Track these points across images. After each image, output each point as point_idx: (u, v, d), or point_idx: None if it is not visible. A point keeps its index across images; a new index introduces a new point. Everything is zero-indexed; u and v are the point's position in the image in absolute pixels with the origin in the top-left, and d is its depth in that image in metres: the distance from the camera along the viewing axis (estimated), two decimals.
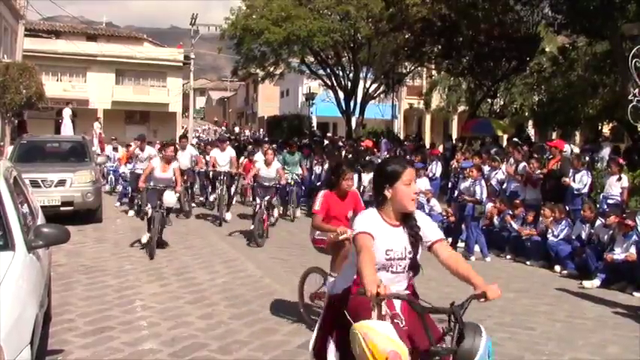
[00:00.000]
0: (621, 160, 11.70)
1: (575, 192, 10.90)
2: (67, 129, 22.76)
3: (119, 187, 17.73)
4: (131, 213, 13.89)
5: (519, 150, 13.60)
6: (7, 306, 3.18)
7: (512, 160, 13.06)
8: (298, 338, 5.69)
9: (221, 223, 12.68)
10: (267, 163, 11.59)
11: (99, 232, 11.70)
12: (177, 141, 15.76)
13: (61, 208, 11.72)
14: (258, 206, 11.03)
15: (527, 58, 22.34)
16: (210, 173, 14.53)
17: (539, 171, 11.71)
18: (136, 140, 14.91)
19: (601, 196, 10.78)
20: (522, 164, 12.35)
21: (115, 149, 21.21)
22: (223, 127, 58.31)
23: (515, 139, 17.14)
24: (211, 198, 14.87)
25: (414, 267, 3.37)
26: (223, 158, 13.57)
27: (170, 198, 9.64)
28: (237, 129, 49.75)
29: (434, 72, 32.27)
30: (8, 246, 3.85)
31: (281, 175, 11.64)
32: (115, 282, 7.66)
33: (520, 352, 5.60)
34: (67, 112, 23.67)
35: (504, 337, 5.99)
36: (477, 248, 10.49)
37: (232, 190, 14.19)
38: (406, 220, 3.33)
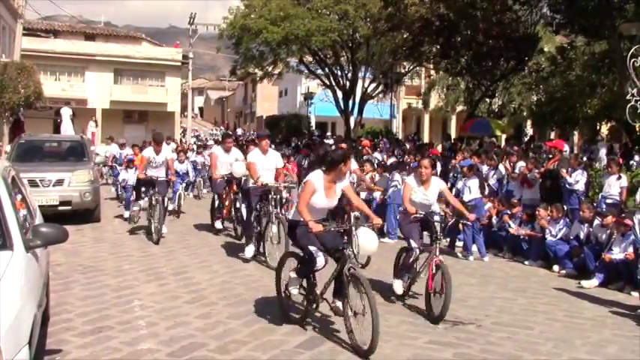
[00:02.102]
0: (621, 160, 11.73)
1: (568, 186, 10.94)
2: (66, 129, 22.68)
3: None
4: (166, 230, 10.97)
5: (513, 152, 13.65)
6: (6, 306, 3.18)
7: (508, 161, 13.12)
8: (297, 338, 5.69)
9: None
10: (424, 181, 7.07)
11: (97, 231, 11.69)
12: (221, 141, 12.47)
13: (59, 208, 11.72)
14: (416, 251, 6.87)
15: (526, 58, 22.39)
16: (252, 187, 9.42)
17: (536, 171, 11.74)
18: (154, 142, 11.32)
19: (600, 196, 10.80)
20: (520, 164, 12.38)
21: (123, 146, 19.37)
22: (222, 128, 58.17)
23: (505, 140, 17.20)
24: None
25: None
26: (268, 165, 9.12)
27: (373, 242, 5.64)
28: (239, 130, 49.28)
29: (432, 72, 32.33)
30: (6, 246, 3.84)
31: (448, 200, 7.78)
32: (113, 282, 7.66)
33: (518, 351, 5.60)
34: (65, 112, 23.62)
35: (502, 336, 5.99)
36: (474, 248, 10.50)
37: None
38: None
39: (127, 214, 12.83)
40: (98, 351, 5.25)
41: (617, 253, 8.46)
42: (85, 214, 12.34)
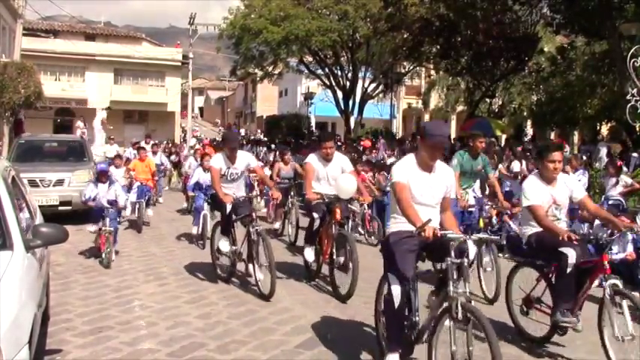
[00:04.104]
0: (620, 163, 11.73)
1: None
2: (96, 133, 22.14)
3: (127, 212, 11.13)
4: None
5: (513, 150, 13.68)
6: (6, 306, 3.17)
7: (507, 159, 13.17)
8: (297, 338, 5.68)
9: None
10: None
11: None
12: (322, 145, 7.79)
13: (60, 208, 11.72)
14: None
15: (526, 58, 22.41)
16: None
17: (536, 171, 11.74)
18: (227, 145, 7.81)
19: (603, 198, 10.80)
20: (515, 163, 12.42)
21: (135, 145, 17.88)
22: (221, 129, 58.07)
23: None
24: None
25: None
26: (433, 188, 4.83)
27: None
28: (242, 131, 49.29)
29: (432, 72, 32.34)
30: (6, 246, 3.84)
31: None
32: (113, 282, 7.66)
33: (518, 352, 5.60)
34: (98, 117, 23.22)
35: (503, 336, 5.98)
36: None
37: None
38: None
39: (107, 257, 8.62)
40: (98, 351, 5.25)
41: (616, 253, 8.44)
42: (85, 214, 12.32)
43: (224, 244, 7.61)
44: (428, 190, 4.69)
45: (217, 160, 7.67)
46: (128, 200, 10.42)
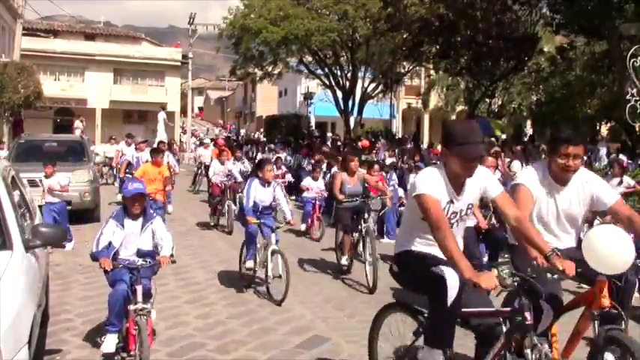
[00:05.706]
0: (625, 163, 11.74)
1: None
2: (160, 132, 21.73)
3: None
4: None
5: (512, 149, 13.70)
6: (5, 305, 3.17)
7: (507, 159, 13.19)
8: (296, 338, 5.68)
9: None
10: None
11: (97, 231, 11.60)
12: (560, 149, 3.88)
13: None
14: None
15: (526, 58, 22.44)
16: None
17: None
18: (457, 147, 3.47)
19: None
20: (515, 163, 12.44)
21: (140, 146, 15.26)
22: (221, 129, 58.01)
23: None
24: None
25: None
26: None
27: None
28: (242, 132, 49.41)
29: (432, 72, 32.36)
30: (6, 245, 3.84)
31: None
32: None
33: None
34: (160, 116, 22.89)
35: None
36: None
37: None
38: None
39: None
40: (98, 351, 5.24)
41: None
42: (84, 213, 12.33)
43: None
44: None
45: (433, 182, 3.53)
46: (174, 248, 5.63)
